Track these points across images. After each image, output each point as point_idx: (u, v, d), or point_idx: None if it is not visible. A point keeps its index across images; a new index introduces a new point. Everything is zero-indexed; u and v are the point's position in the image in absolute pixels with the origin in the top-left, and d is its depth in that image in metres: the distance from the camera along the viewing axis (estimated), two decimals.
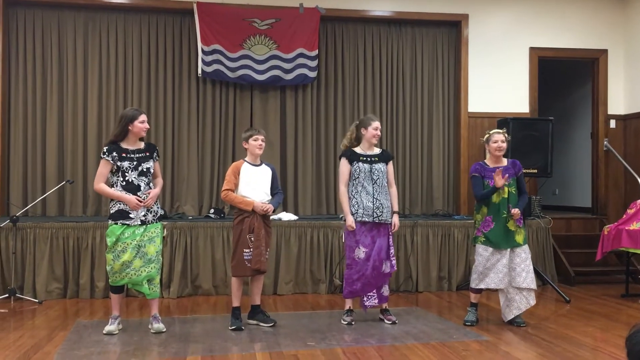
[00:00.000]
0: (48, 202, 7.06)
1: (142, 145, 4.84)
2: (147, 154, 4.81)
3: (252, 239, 4.89)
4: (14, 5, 7.09)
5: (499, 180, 4.91)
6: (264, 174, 5.05)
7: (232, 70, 7.30)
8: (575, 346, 4.51)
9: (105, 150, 4.72)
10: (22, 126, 7.10)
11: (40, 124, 7.15)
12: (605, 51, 8.14)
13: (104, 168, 4.71)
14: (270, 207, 4.98)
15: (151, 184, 4.80)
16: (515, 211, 4.99)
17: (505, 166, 5.14)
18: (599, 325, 5.19)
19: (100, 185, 4.73)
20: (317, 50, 7.46)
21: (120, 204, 4.68)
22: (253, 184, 4.96)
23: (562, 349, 4.44)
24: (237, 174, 4.97)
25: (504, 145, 5.11)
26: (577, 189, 9.21)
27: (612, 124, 8.18)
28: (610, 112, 8.17)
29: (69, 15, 7.21)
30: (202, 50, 7.22)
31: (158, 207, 4.86)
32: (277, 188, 5.14)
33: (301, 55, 7.41)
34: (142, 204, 4.68)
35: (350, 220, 5.03)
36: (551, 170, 6.79)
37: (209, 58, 7.24)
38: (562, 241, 7.62)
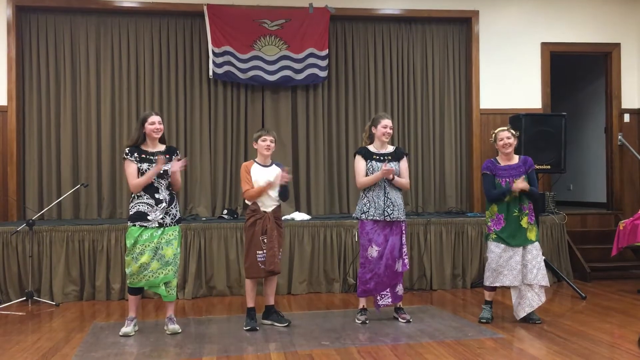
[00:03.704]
0: (63, 205, 7.13)
1: (162, 147, 4.88)
2: (167, 156, 4.83)
3: (265, 240, 4.90)
4: (26, 11, 7.17)
5: (520, 184, 4.92)
6: (274, 174, 5.01)
7: (243, 71, 7.32)
8: (592, 343, 4.48)
9: (127, 152, 4.77)
10: (37, 131, 7.18)
11: (55, 128, 7.23)
12: (618, 45, 8.07)
13: (130, 168, 4.74)
14: (277, 179, 4.89)
15: (170, 188, 4.84)
16: (523, 184, 4.96)
17: (516, 164, 5.12)
18: (615, 322, 5.16)
19: (134, 182, 4.72)
20: (327, 50, 7.46)
21: (138, 205, 4.72)
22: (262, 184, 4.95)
23: (578, 345, 4.41)
24: (249, 172, 4.98)
25: (511, 141, 5.09)
26: (592, 184, 9.14)
27: (626, 118, 8.11)
28: (624, 106, 8.11)
29: (80, 19, 7.27)
30: (213, 52, 7.25)
31: (177, 211, 4.87)
32: (286, 187, 5.07)
33: (311, 55, 7.42)
34: (163, 162, 4.68)
35: (384, 168, 4.93)
36: (565, 166, 6.75)
37: (219, 60, 7.27)
38: (577, 237, 7.57)
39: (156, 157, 4.75)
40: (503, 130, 5.16)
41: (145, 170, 4.72)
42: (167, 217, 4.78)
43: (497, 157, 5.23)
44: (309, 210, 7.47)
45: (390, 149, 5.22)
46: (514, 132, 5.16)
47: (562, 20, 7.95)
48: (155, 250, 4.72)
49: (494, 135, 5.19)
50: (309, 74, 7.44)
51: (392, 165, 5.08)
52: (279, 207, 5.08)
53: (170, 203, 4.80)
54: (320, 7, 7.23)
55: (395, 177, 5.06)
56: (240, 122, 7.54)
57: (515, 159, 5.17)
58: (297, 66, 7.40)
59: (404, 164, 5.21)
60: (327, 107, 7.70)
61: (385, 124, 5.12)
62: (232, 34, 7.30)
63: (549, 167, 6.67)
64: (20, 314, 5.64)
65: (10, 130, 6.99)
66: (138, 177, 4.72)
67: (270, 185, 4.90)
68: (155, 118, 4.80)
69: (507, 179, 5.06)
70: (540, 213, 6.69)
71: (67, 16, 7.25)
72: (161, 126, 4.84)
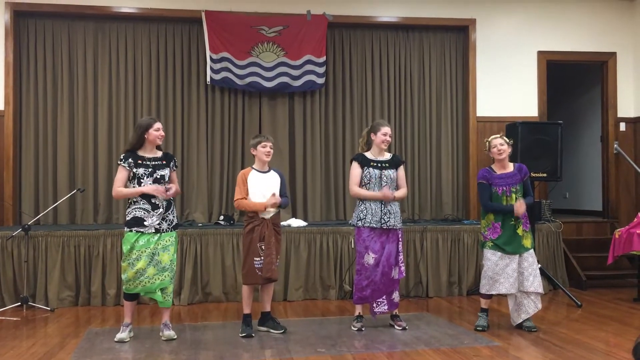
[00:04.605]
0: (59, 210, 7.11)
1: (159, 153, 4.90)
2: (164, 162, 4.86)
3: (263, 247, 4.89)
4: (24, 16, 7.17)
5: (520, 209, 4.96)
6: (272, 180, 5.04)
7: (241, 77, 7.33)
8: (587, 351, 4.48)
9: (122, 157, 4.79)
10: (34, 135, 7.17)
11: (51, 133, 7.22)
12: (614, 54, 8.11)
13: (120, 174, 4.77)
14: (278, 199, 4.92)
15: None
16: (521, 207, 5.00)
17: (511, 172, 5.14)
18: (611, 330, 5.16)
19: (117, 189, 4.76)
20: (325, 57, 7.48)
21: (135, 211, 4.72)
22: (261, 190, 4.95)
23: (573, 354, 4.41)
24: (245, 181, 4.98)
25: (504, 147, 5.11)
26: (588, 192, 9.16)
27: (622, 126, 8.15)
28: (620, 115, 8.15)
29: (78, 25, 7.28)
30: (211, 58, 7.26)
31: (174, 216, 4.88)
32: (284, 194, 5.12)
33: (309, 61, 7.44)
34: (166, 191, 4.71)
35: (385, 191, 5.00)
36: (561, 174, 6.76)
37: (217, 66, 7.28)
38: (573, 245, 7.59)
39: (152, 163, 4.77)
40: (496, 137, 5.18)
41: (141, 175, 4.73)
42: (164, 222, 4.78)
43: (492, 166, 5.24)
44: (305, 217, 7.47)
45: (387, 156, 5.23)
46: (507, 140, 5.18)
47: (558, 29, 7.99)
48: (151, 256, 4.71)
49: (487, 143, 5.22)
50: (306, 80, 7.45)
51: (390, 172, 5.10)
52: (278, 213, 5.07)
53: (167, 209, 4.80)
54: (318, 14, 7.26)
55: (395, 195, 5.08)
56: (238, 128, 7.55)
57: (511, 166, 5.19)
58: (295, 73, 7.42)
59: (401, 172, 5.22)
60: (324, 113, 7.71)
61: (385, 132, 5.13)
62: (229, 40, 7.31)
63: (545, 175, 6.68)
64: (15, 319, 5.61)
65: (7, 134, 6.98)
66: (125, 186, 4.75)
67: (263, 208, 4.89)
68: (159, 124, 4.87)
69: (504, 187, 5.07)
70: (535, 221, 6.70)
71: (65, 21, 7.26)
72: (164, 133, 4.92)
